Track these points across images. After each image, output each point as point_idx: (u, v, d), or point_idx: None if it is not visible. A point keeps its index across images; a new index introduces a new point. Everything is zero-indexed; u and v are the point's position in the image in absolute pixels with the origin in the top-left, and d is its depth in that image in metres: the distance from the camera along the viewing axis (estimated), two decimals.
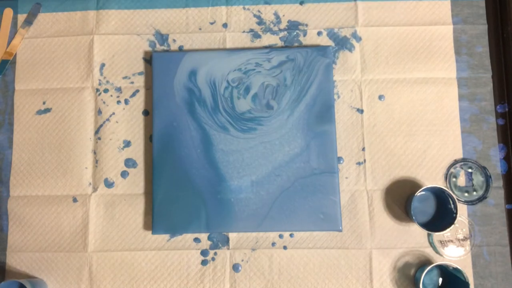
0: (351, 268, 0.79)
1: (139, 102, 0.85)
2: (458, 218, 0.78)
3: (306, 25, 0.86)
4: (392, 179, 0.82)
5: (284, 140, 0.80)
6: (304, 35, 0.86)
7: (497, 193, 0.81)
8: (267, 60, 0.82)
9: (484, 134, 0.82)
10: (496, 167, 0.82)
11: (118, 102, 0.85)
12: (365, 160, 0.82)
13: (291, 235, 0.81)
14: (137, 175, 0.83)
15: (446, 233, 0.80)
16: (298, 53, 0.82)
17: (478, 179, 0.81)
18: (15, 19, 0.88)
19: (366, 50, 0.85)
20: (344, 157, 0.82)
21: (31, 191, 0.83)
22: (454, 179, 0.81)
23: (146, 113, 0.85)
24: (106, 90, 0.85)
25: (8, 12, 0.88)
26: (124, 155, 0.84)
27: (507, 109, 0.84)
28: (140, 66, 0.86)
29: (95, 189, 0.83)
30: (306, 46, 0.84)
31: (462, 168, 0.82)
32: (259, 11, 0.87)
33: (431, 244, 0.80)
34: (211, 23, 0.87)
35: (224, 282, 0.80)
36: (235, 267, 0.80)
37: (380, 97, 0.84)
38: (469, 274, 0.79)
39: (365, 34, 0.85)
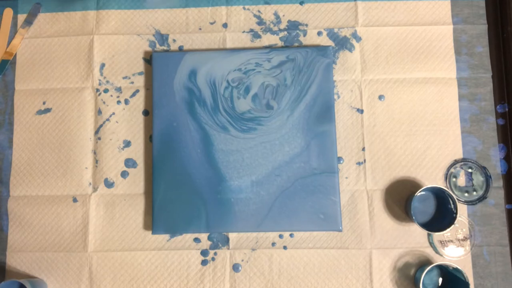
0: (351, 268, 0.79)
1: (139, 102, 0.85)
2: (458, 218, 0.79)
3: (306, 25, 0.86)
4: (392, 179, 0.82)
5: (284, 140, 0.80)
6: (304, 35, 0.86)
7: (497, 193, 0.81)
8: (267, 60, 0.82)
9: (484, 134, 0.82)
10: (496, 167, 0.82)
11: (118, 102, 0.85)
12: (365, 160, 0.82)
13: (291, 235, 0.81)
14: (137, 175, 0.83)
15: (446, 233, 0.80)
16: (298, 53, 0.82)
17: (478, 179, 0.81)
18: (15, 19, 0.88)
19: (366, 50, 0.85)
20: (344, 157, 0.82)
21: (31, 191, 0.83)
22: (454, 179, 0.81)
23: (146, 113, 0.85)
24: (106, 90, 0.85)
25: (8, 12, 0.88)
26: (124, 155, 0.84)
27: (507, 109, 0.84)
28: (140, 66, 0.86)
29: (95, 189, 0.83)
30: (306, 46, 0.84)
31: (462, 168, 0.82)
32: (259, 11, 0.87)
33: (431, 244, 0.80)
34: (211, 23, 0.87)
35: (224, 282, 0.80)
36: (235, 267, 0.80)
37: (380, 97, 0.84)
38: (469, 274, 0.79)
39: (365, 34, 0.85)
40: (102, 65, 0.86)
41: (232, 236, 0.81)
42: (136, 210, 0.82)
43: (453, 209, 0.76)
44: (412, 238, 0.80)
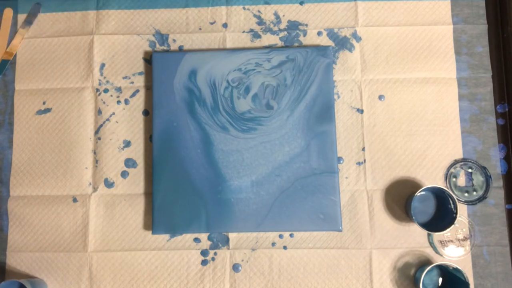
0: (351, 268, 0.79)
1: (139, 102, 0.85)
2: (458, 218, 0.78)
3: (306, 25, 0.86)
4: (392, 179, 0.82)
5: (284, 140, 0.80)
6: (304, 35, 0.86)
7: (497, 193, 0.81)
8: (267, 60, 0.82)
9: (484, 134, 0.82)
10: (496, 167, 0.82)
11: (118, 102, 0.85)
12: (365, 160, 0.82)
13: (291, 235, 0.81)
14: (137, 175, 0.83)
15: (446, 233, 0.80)
16: (298, 53, 0.82)
17: (478, 179, 0.81)
18: (15, 19, 0.88)
19: (366, 50, 0.85)
20: (344, 157, 0.82)
21: (31, 191, 0.83)
22: (454, 179, 0.81)
23: (146, 113, 0.85)
24: (106, 90, 0.85)
25: (8, 12, 0.88)
26: (124, 155, 0.84)
27: (507, 109, 0.84)
28: (140, 66, 0.86)
29: (95, 189, 0.83)
30: (306, 46, 0.84)
31: (462, 168, 0.82)
32: (259, 11, 0.87)
33: (431, 244, 0.80)
34: (211, 23, 0.87)
35: (224, 282, 0.80)
36: (235, 267, 0.80)
37: (380, 97, 0.84)
38: (469, 274, 0.79)
39: (365, 34, 0.85)
40: (102, 65, 0.86)
41: (232, 236, 0.81)
42: (136, 210, 0.82)
43: (453, 209, 0.76)
44: (412, 238, 0.80)
